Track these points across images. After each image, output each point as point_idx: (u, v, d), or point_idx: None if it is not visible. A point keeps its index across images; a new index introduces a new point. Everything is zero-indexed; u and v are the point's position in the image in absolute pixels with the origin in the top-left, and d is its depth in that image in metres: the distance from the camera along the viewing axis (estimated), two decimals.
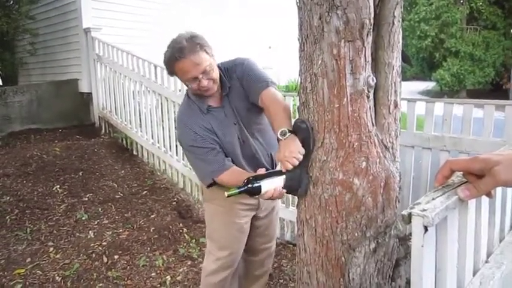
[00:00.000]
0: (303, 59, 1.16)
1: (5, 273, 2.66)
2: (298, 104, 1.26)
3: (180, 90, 3.74)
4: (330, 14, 1.04)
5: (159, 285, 2.62)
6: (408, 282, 1.18)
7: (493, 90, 18.40)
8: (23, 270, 2.69)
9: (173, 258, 2.91)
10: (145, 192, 3.92)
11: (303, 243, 1.25)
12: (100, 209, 3.52)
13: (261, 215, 1.95)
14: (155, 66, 4.16)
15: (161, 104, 4.14)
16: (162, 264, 2.83)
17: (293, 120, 1.33)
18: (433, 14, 18.26)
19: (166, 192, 3.94)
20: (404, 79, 1.29)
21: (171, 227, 3.30)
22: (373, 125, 1.12)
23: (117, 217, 3.44)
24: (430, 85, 21.33)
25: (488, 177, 0.75)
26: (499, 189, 1.26)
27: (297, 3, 1.15)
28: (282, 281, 2.69)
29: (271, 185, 1.36)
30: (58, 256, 2.88)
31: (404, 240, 1.24)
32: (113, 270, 2.75)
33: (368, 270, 1.16)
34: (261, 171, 1.50)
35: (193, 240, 3.13)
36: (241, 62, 1.74)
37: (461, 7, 18.21)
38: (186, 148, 1.76)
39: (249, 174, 1.55)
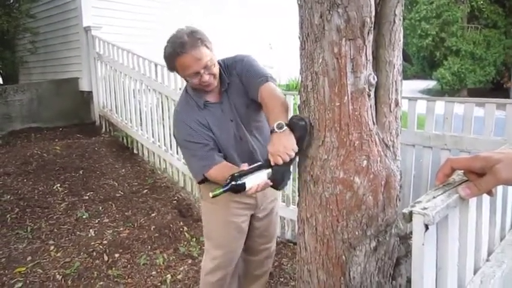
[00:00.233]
0: (303, 58, 1.16)
1: (6, 271, 2.67)
2: (299, 102, 1.26)
3: (180, 89, 3.73)
4: (331, 12, 1.04)
5: (159, 284, 2.62)
6: (409, 280, 1.18)
7: (494, 89, 18.36)
8: (24, 269, 2.70)
9: (174, 257, 2.92)
10: (145, 190, 3.92)
11: (303, 242, 1.25)
12: (100, 208, 3.53)
13: (260, 215, 1.93)
14: (155, 65, 4.16)
15: (161, 102, 4.13)
16: (163, 263, 2.83)
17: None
18: (433, 12, 18.21)
19: (166, 190, 3.94)
20: (405, 78, 1.29)
21: (171, 225, 3.30)
22: (374, 123, 1.12)
23: (117, 216, 3.44)
24: (430, 84, 21.29)
25: (489, 175, 0.75)
26: (499, 188, 1.26)
27: (297, 1, 1.15)
28: (282, 279, 2.69)
29: (256, 180, 1.35)
30: (59, 254, 2.88)
31: (405, 238, 1.23)
32: (114, 268, 2.75)
33: (369, 268, 1.16)
34: (244, 166, 1.46)
35: (194, 239, 3.13)
36: (241, 59, 1.74)
37: (462, 6, 18.15)
38: (181, 143, 1.75)
39: (237, 169, 1.52)
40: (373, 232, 1.14)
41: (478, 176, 0.79)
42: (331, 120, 1.11)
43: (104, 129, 5.52)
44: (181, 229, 3.28)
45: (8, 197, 3.52)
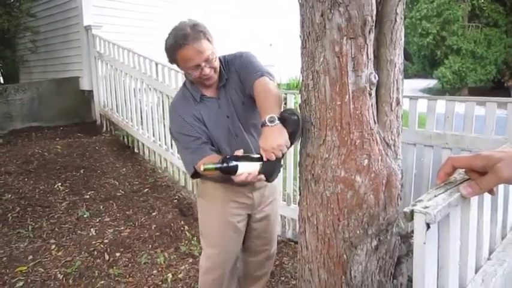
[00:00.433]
0: (304, 57, 1.16)
1: (7, 270, 2.67)
2: (300, 101, 1.26)
3: None
4: (332, 11, 1.04)
5: (160, 283, 2.62)
6: (410, 279, 1.18)
7: (495, 88, 18.35)
8: (25, 268, 2.70)
9: (174, 256, 2.92)
10: (146, 190, 3.93)
11: (304, 241, 1.25)
12: (101, 207, 3.53)
13: (258, 216, 1.88)
14: (156, 64, 4.16)
15: (162, 101, 4.13)
16: (164, 262, 2.83)
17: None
18: (434, 11, 18.19)
19: (167, 190, 3.94)
20: (406, 77, 1.29)
21: (172, 224, 3.30)
22: (375, 122, 1.12)
23: (118, 215, 3.45)
24: (431, 83, 21.27)
25: (491, 174, 0.75)
26: (501, 187, 1.26)
27: (298, 0, 1.15)
28: (283, 278, 2.69)
29: (248, 168, 1.34)
30: (60, 254, 2.88)
31: (406, 237, 1.23)
32: (115, 267, 2.75)
33: (370, 267, 1.16)
34: (239, 152, 1.45)
35: (195, 238, 3.13)
36: (240, 55, 1.73)
37: (462, 4, 18.13)
38: (175, 135, 1.74)
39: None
40: (374, 231, 1.14)
41: (479, 174, 0.79)
42: (332, 119, 1.10)
43: (104, 129, 5.52)
44: (182, 228, 3.28)
45: (9, 196, 3.52)
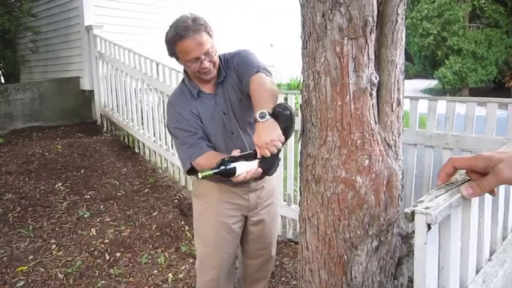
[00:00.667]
0: (305, 57, 1.16)
1: (8, 270, 2.68)
2: (300, 101, 1.26)
3: None
4: (333, 11, 1.04)
5: (161, 283, 2.62)
6: (411, 280, 1.17)
7: (496, 89, 18.35)
8: (26, 268, 2.70)
9: (175, 256, 2.92)
10: (147, 190, 3.93)
11: (305, 241, 1.25)
12: (102, 207, 3.53)
13: (254, 218, 1.85)
14: (157, 64, 4.16)
15: (163, 101, 4.13)
16: (164, 262, 2.84)
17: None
18: (435, 12, 18.17)
19: (168, 190, 3.94)
20: (407, 77, 1.29)
21: (172, 224, 3.30)
22: (375, 123, 1.12)
23: (119, 215, 3.45)
24: (432, 83, 21.26)
25: (492, 175, 0.75)
26: (502, 187, 1.26)
27: (299, 0, 1.15)
28: (284, 279, 2.69)
29: (246, 167, 1.34)
30: (60, 253, 2.88)
31: (407, 238, 1.23)
32: (115, 267, 2.76)
33: (370, 268, 1.16)
34: (236, 152, 1.44)
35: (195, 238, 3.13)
36: (238, 53, 1.73)
37: (463, 5, 18.11)
38: (172, 131, 1.74)
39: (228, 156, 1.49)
40: (375, 231, 1.14)
41: (480, 175, 0.79)
42: (333, 119, 1.10)
43: (105, 129, 5.53)
44: (182, 228, 3.28)
45: (10, 195, 3.53)
